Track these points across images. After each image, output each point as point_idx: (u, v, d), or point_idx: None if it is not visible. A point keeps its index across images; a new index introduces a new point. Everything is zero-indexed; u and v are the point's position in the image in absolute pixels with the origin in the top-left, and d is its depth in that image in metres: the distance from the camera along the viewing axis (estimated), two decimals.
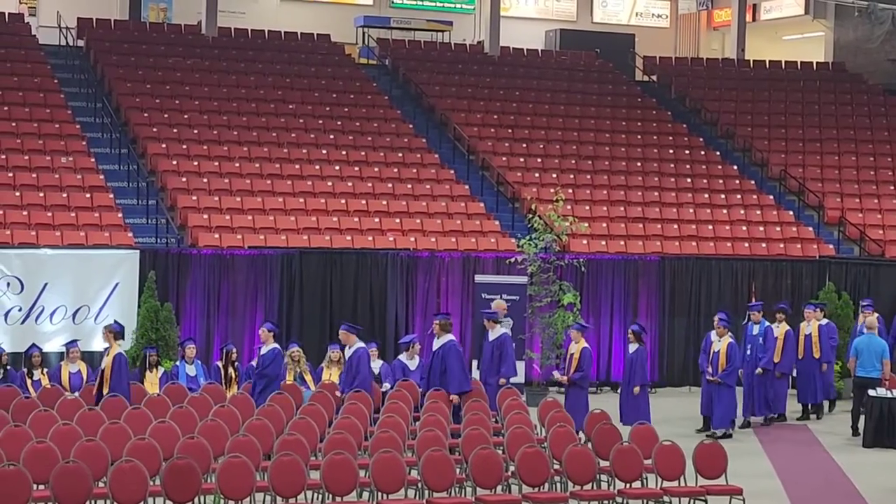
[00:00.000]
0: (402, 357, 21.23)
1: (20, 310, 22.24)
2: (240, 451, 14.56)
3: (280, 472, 14.18)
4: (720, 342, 21.01)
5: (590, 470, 15.33)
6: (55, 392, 18.69)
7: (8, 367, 19.97)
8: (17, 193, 24.82)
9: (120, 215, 24.77)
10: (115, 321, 19.95)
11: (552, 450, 15.91)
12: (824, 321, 23.61)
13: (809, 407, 23.32)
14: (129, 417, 16.44)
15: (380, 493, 14.50)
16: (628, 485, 15.28)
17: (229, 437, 15.68)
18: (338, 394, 18.78)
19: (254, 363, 20.28)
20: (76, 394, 18.74)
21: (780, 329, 22.46)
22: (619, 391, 21.47)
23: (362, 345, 19.09)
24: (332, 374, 20.48)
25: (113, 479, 13.63)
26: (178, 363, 20.82)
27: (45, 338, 21.97)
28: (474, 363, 22.31)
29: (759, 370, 22.05)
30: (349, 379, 18.81)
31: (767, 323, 22.46)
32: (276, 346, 19.30)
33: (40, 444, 14.58)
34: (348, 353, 19.04)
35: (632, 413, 19.56)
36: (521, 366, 23.63)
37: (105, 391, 18.07)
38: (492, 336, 21.14)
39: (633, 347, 20.42)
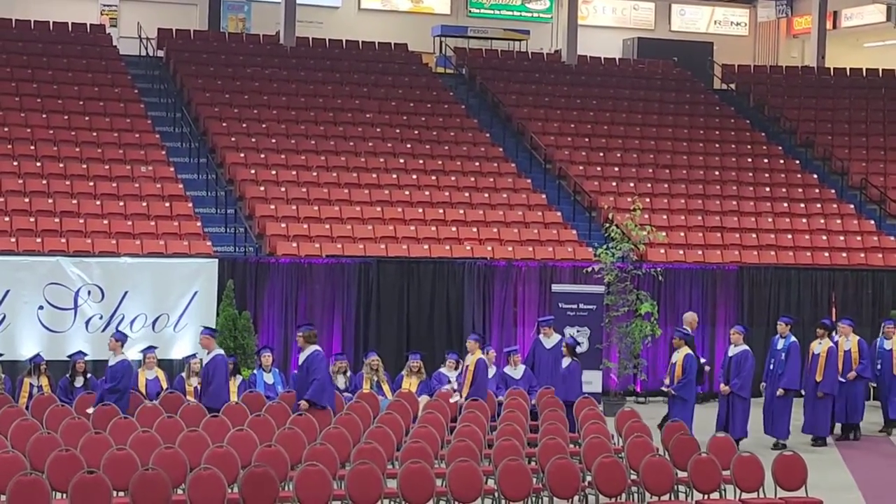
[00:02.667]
0: None
1: (101, 318, 22.38)
2: (317, 460, 14.53)
3: (357, 481, 14.12)
4: (678, 353, 20.16)
5: (667, 481, 15.15)
6: (135, 399, 18.73)
7: (89, 375, 20.01)
8: (98, 202, 24.93)
9: (199, 224, 24.86)
10: None
11: (629, 460, 15.77)
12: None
13: (857, 427, 22.11)
14: (208, 425, 16.53)
15: (456, 503, 14.43)
16: (706, 496, 15.09)
17: (306, 445, 15.64)
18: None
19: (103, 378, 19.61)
20: (154, 401, 18.73)
21: (823, 346, 21.29)
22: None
23: (221, 352, 19.10)
24: (411, 384, 20.54)
25: (191, 486, 13.65)
26: (255, 371, 20.78)
27: (126, 346, 21.41)
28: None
29: (779, 391, 20.73)
30: (204, 387, 18.71)
31: (794, 338, 21.14)
32: (125, 357, 18.96)
33: (120, 451, 14.62)
34: (207, 358, 18.88)
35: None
36: (597, 375, 23.88)
37: None
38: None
39: (566, 362, 20.12)
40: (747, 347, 20.72)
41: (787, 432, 20.81)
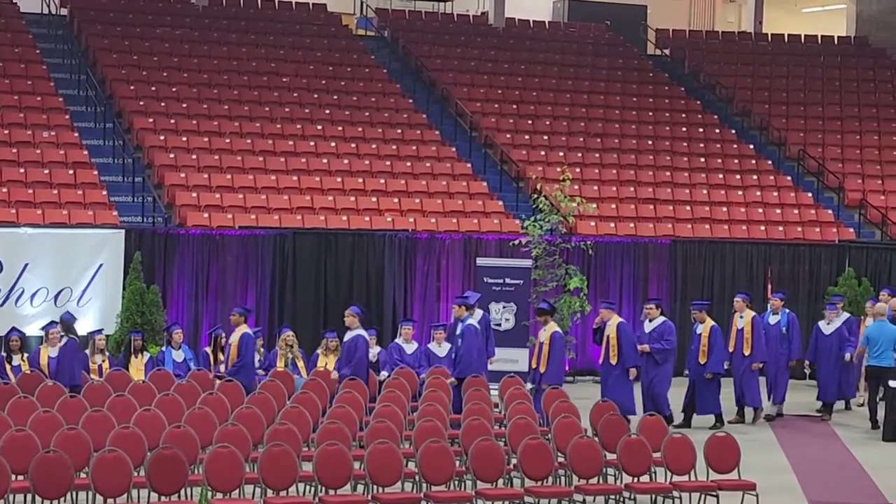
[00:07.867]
0: (399, 341, 21.12)
1: None
2: (228, 441, 14.40)
3: (270, 464, 14.00)
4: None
5: (596, 463, 15.19)
6: (35, 378, 18.47)
7: None
8: None
9: (104, 193, 24.52)
10: None
11: (556, 442, 15.69)
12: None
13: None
14: (113, 405, 16.36)
15: (375, 486, 14.30)
16: (636, 479, 15.16)
17: (217, 426, 15.54)
18: None
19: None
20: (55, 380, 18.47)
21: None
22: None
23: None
24: (328, 362, 20.24)
25: (95, 469, 13.51)
26: (164, 348, 20.62)
27: (26, 321, 21.72)
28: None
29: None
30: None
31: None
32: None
33: (19, 432, 14.44)
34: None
35: None
36: (524, 354, 23.50)
37: None
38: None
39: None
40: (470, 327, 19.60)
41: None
